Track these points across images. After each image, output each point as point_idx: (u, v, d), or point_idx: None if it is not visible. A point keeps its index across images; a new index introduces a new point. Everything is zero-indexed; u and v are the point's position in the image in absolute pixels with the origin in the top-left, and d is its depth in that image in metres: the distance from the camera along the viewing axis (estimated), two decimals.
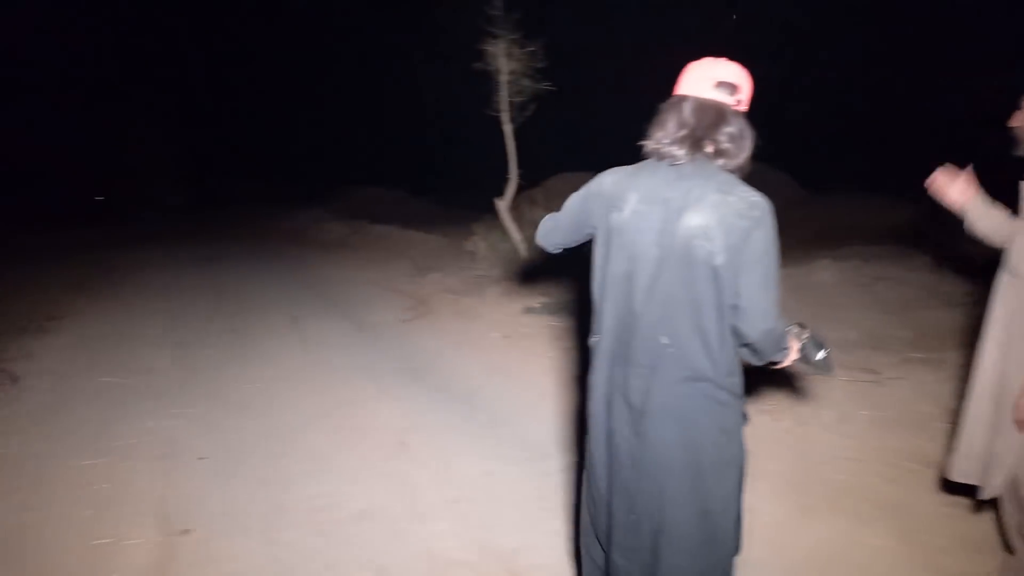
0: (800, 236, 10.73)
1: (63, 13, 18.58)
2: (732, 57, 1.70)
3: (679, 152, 1.64)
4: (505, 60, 7.29)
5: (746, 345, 1.65)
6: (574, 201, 1.87)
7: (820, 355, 1.77)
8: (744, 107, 1.67)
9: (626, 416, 1.69)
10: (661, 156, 1.68)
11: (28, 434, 3.83)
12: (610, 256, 1.70)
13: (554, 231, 1.99)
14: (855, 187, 13.46)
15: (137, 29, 20.78)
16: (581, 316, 5.19)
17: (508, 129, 7.45)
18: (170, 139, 21.08)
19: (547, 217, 2.02)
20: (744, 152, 1.66)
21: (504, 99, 7.39)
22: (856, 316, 5.78)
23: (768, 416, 3.87)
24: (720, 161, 1.65)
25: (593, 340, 1.79)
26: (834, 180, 14.12)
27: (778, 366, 1.79)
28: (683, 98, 1.67)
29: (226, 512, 3.01)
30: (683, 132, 1.64)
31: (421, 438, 3.77)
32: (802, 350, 1.77)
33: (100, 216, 16.11)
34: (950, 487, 2.77)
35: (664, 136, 1.66)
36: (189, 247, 11.19)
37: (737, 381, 1.66)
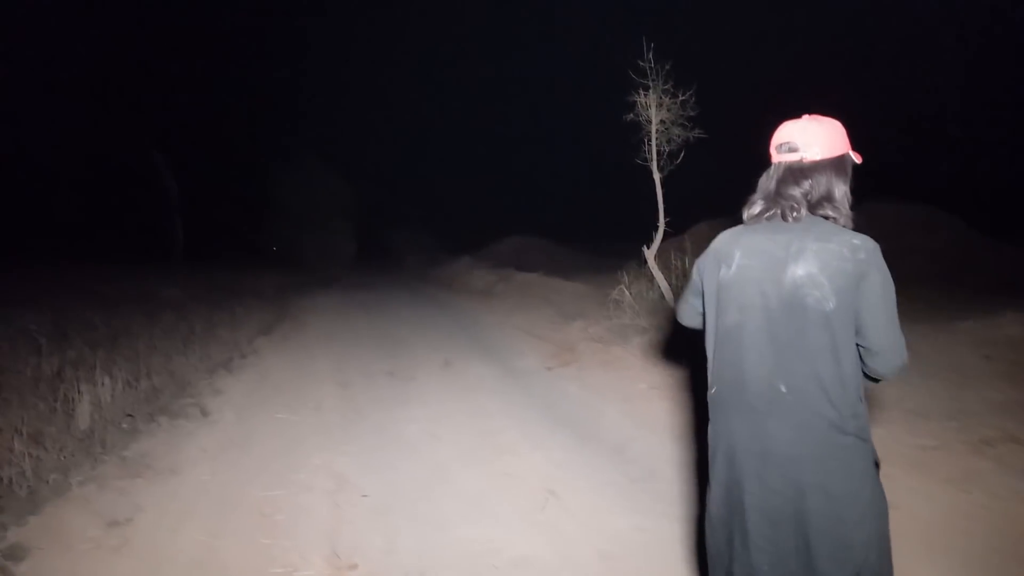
0: (979, 285, 9.71)
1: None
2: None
3: (768, 214, 1.79)
4: (655, 110, 7.33)
5: (875, 379, 1.74)
6: (694, 270, 2.00)
7: None
8: (819, 157, 1.76)
9: (753, 465, 1.71)
10: (753, 217, 1.83)
11: (216, 462, 4.25)
12: (721, 309, 1.81)
13: (685, 305, 2.09)
14: None
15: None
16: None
17: (657, 177, 7.45)
18: (344, 192, 23.18)
19: (680, 300, 2.13)
20: (835, 201, 1.75)
21: (653, 148, 7.41)
22: None
23: (954, 487, 3.49)
24: (819, 213, 1.75)
25: (711, 393, 1.86)
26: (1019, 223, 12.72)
27: None
28: (770, 165, 1.85)
29: (388, 549, 3.16)
30: (761, 197, 1.82)
31: (571, 488, 3.76)
32: None
33: (287, 263, 17.79)
34: None
35: (751, 203, 1.84)
36: (354, 293, 12.08)
37: (863, 424, 1.67)
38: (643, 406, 5.05)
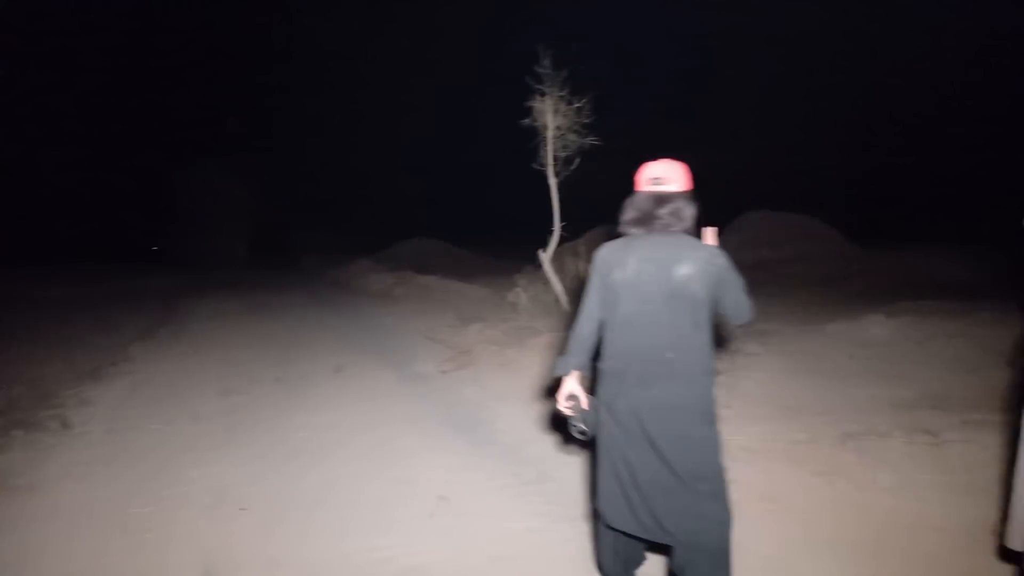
0: (850, 290, 10.50)
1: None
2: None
3: (635, 230, 2.45)
4: (552, 116, 7.45)
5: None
6: (589, 286, 2.52)
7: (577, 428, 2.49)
8: (677, 189, 2.42)
9: (653, 404, 2.32)
10: (630, 233, 2.47)
11: (79, 479, 3.92)
12: (621, 302, 2.39)
13: (586, 322, 2.52)
14: (912, 240, 13.17)
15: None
16: None
17: (553, 183, 7.57)
18: (238, 191, 22.08)
19: (573, 329, 2.57)
20: (686, 220, 2.41)
21: (550, 154, 7.52)
22: (912, 374, 5.58)
23: (822, 479, 3.74)
24: (675, 228, 2.40)
25: (606, 365, 2.45)
26: (889, 233, 13.89)
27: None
28: (635, 192, 2.48)
29: (272, 564, 3.01)
30: (637, 215, 2.45)
31: (466, 493, 3.74)
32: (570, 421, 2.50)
33: (167, 265, 16.74)
34: (1010, 555, 2.61)
35: (627, 219, 2.48)
36: (246, 294, 11.54)
37: (713, 365, 2.37)
38: (538, 408, 5.11)
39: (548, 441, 4.46)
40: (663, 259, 2.33)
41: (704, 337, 2.33)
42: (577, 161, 7.52)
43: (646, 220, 2.42)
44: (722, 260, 2.32)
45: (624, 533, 2.46)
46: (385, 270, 12.97)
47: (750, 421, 4.70)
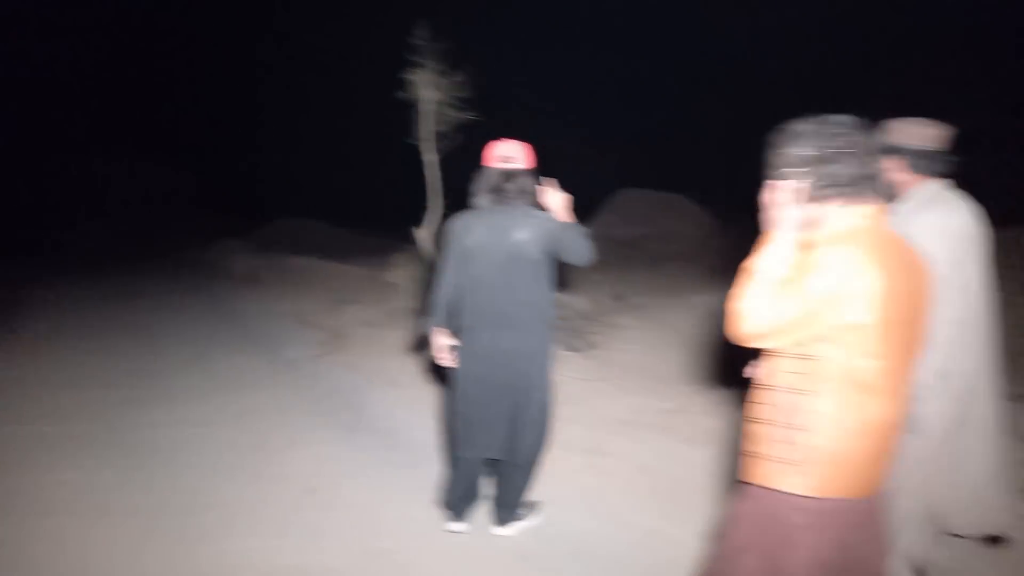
0: (712, 263, 11.04)
1: None
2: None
3: (485, 202, 2.87)
4: (429, 89, 7.20)
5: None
6: (446, 252, 2.93)
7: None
8: (524, 167, 2.85)
9: (500, 350, 2.81)
10: (481, 204, 2.88)
11: None
12: (472, 265, 2.83)
13: (444, 284, 2.92)
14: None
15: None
16: None
17: (430, 159, 7.35)
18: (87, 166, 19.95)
19: (434, 290, 2.98)
20: (529, 194, 2.85)
21: (427, 128, 7.29)
22: None
23: (691, 446, 3.85)
24: (519, 201, 2.84)
25: (464, 320, 2.86)
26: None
27: None
28: (486, 168, 2.89)
29: (133, 574, 2.70)
30: (487, 189, 2.87)
31: (336, 484, 3.54)
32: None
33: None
34: None
35: (478, 192, 2.89)
36: (97, 281, 10.46)
37: (552, 316, 2.92)
38: (413, 391, 4.95)
39: (422, 423, 4.33)
40: (505, 227, 2.78)
41: (541, 292, 2.84)
42: (458, 137, 7.32)
43: (495, 192, 2.85)
44: (552, 221, 2.77)
45: (471, 468, 2.99)
46: (252, 251, 12.24)
47: (624, 392, 4.79)
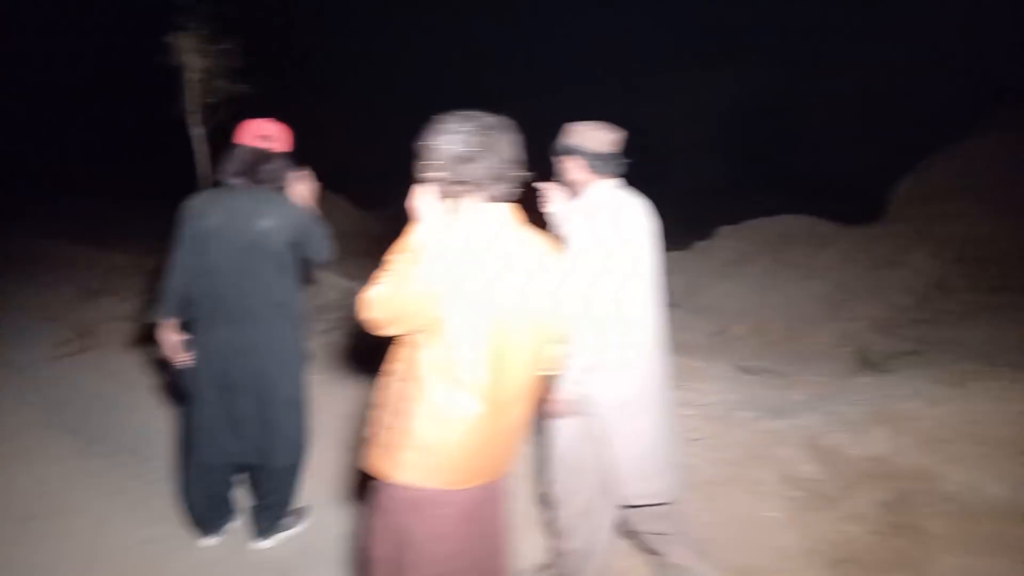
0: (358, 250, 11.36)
1: None
2: None
3: (235, 181, 2.57)
4: (194, 56, 6.50)
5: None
6: (179, 235, 2.57)
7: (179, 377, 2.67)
8: (279, 150, 2.62)
9: (239, 346, 2.54)
10: (228, 184, 2.58)
11: None
12: (207, 251, 2.50)
13: (177, 269, 2.57)
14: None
15: None
16: None
17: (197, 132, 6.66)
18: None
19: (166, 276, 2.60)
20: (280, 179, 2.62)
21: (193, 99, 6.59)
22: None
23: None
24: (269, 185, 2.60)
25: (198, 310, 2.56)
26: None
27: None
28: (239, 146, 2.61)
29: None
30: (239, 168, 2.58)
31: (62, 509, 3.03)
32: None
33: None
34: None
35: (229, 170, 2.59)
36: None
37: (296, 310, 2.67)
38: (169, 392, 4.43)
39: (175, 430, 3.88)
40: (249, 212, 2.52)
41: (285, 284, 2.60)
42: (226, 111, 6.69)
43: (247, 173, 2.58)
44: (296, 211, 2.58)
45: (217, 476, 2.73)
46: None
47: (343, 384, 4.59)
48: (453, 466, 1.64)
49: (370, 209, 14.08)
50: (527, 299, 1.66)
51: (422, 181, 1.67)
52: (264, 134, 2.60)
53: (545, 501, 2.62)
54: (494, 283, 1.59)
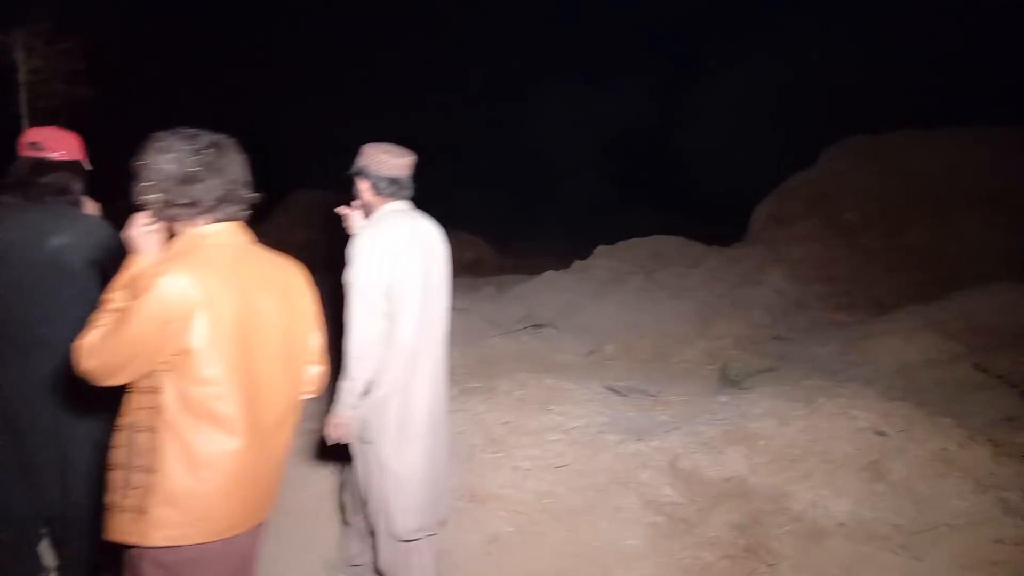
0: None
1: None
2: None
3: (9, 197, 2.27)
4: (25, 55, 5.86)
5: None
6: None
7: None
8: (64, 157, 2.32)
9: (34, 379, 2.20)
10: (4, 201, 2.28)
11: None
12: None
13: None
14: (445, 225, 14.81)
15: None
16: None
17: None
18: None
19: None
20: (70, 191, 2.32)
21: (23, 103, 5.93)
22: None
23: (327, 469, 3.60)
24: (54, 199, 2.28)
25: None
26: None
27: None
28: (18, 157, 2.32)
29: None
30: (12, 181, 2.29)
31: None
32: None
33: None
34: None
35: (5, 187, 2.30)
36: None
37: None
38: None
39: None
40: (39, 229, 2.23)
41: (84, 311, 2.16)
42: (66, 117, 6.09)
43: (23, 187, 2.30)
44: (98, 227, 2.32)
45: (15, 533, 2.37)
46: None
47: None
48: (217, 514, 1.47)
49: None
50: (277, 322, 1.59)
51: (139, 206, 1.55)
52: (32, 141, 2.32)
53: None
54: (240, 308, 1.49)
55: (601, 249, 8.97)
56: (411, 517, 2.24)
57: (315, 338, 1.74)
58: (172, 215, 1.53)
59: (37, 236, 2.21)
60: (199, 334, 1.42)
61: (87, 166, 2.48)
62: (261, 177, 1.84)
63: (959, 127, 9.87)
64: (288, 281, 1.66)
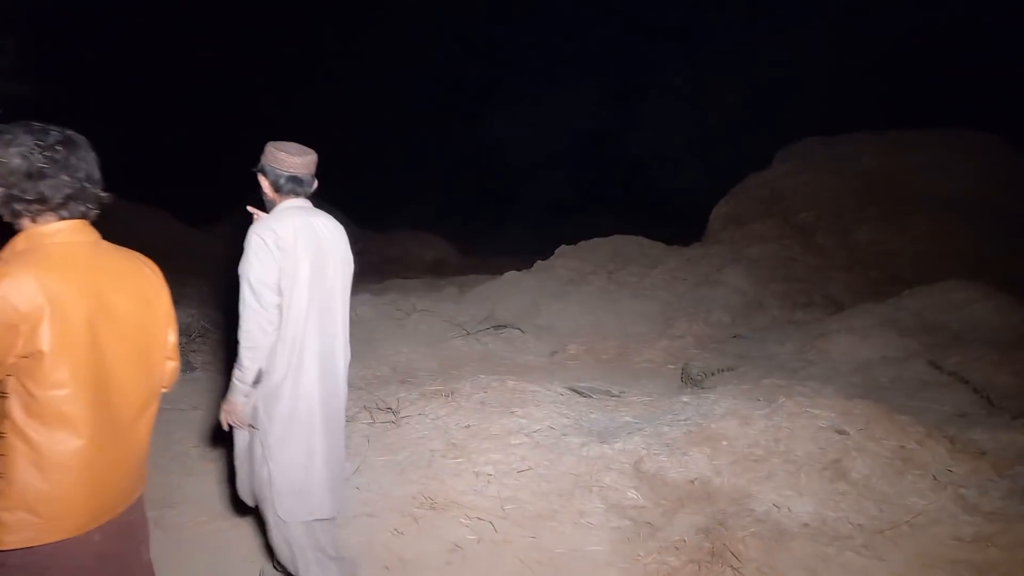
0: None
1: None
2: None
3: None
4: None
5: None
6: None
7: None
8: None
9: None
10: None
11: None
12: None
13: None
14: (408, 227, 14.82)
15: None
16: None
17: None
18: None
19: None
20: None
21: None
22: (390, 350, 5.85)
23: None
24: None
25: None
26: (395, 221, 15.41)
27: None
28: None
29: None
30: None
31: None
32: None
33: None
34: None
35: None
36: None
37: None
38: None
39: None
40: None
41: None
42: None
43: None
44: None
45: None
46: None
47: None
48: (68, 511, 1.47)
49: (197, 225, 13.05)
50: (132, 320, 1.59)
51: None
52: None
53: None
54: (89, 308, 1.48)
55: (563, 249, 8.93)
56: (289, 500, 2.30)
57: (171, 335, 1.76)
58: (16, 211, 1.49)
59: None
60: (45, 337, 1.40)
61: None
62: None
63: (910, 130, 10.13)
64: (142, 278, 1.66)
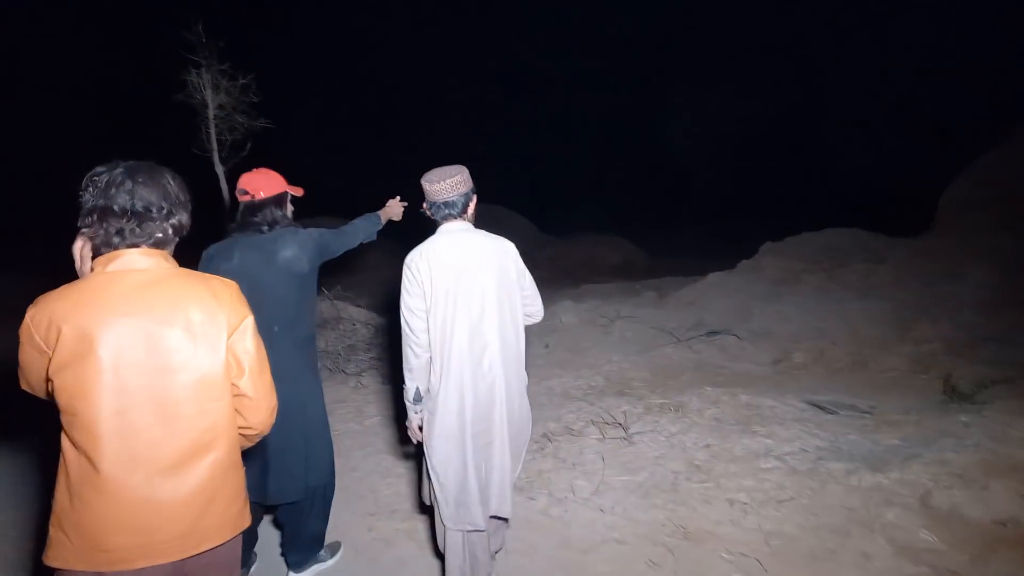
0: (543, 276, 11.03)
1: None
2: None
3: (239, 234, 2.69)
4: (211, 92, 6.27)
5: None
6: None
7: None
8: (266, 195, 2.69)
9: None
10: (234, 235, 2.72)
11: None
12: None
13: None
14: (588, 230, 14.99)
15: None
16: None
17: (220, 170, 6.40)
18: None
19: None
20: (279, 220, 2.70)
21: (213, 136, 6.34)
22: (600, 359, 5.74)
23: (522, 495, 3.45)
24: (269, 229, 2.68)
25: None
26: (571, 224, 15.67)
27: None
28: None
29: None
30: (235, 224, 2.73)
31: None
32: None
33: None
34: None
35: (231, 227, 2.74)
36: None
37: (313, 332, 2.85)
38: None
39: None
40: (266, 248, 2.62)
41: (311, 307, 2.78)
42: (248, 146, 6.46)
43: (244, 227, 2.69)
44: (314, 232, 2.74)
45: None
46: None
47: None
48: (94, 542, 1.44)
49: None
50: (183, 360, 1.51)
51: (79, 232, 1.55)
52: (241, 189, 2.70)
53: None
54: (126, 342, 1.46)
55: (767, 246, 8.31)
56: (445, 508, 2.41)
57: (239, 372, 1.60)
58: (106, 241, 1.52)
59: (269, 253, 2.60)
60: (63, 365, 1.43)
61: (295, 192, 2.82)
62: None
63: None
64: (205, 311, 1.55)
